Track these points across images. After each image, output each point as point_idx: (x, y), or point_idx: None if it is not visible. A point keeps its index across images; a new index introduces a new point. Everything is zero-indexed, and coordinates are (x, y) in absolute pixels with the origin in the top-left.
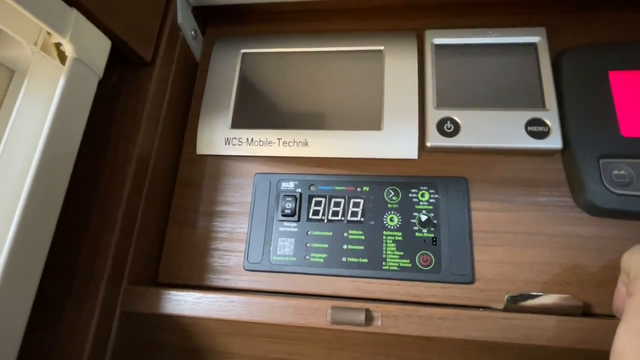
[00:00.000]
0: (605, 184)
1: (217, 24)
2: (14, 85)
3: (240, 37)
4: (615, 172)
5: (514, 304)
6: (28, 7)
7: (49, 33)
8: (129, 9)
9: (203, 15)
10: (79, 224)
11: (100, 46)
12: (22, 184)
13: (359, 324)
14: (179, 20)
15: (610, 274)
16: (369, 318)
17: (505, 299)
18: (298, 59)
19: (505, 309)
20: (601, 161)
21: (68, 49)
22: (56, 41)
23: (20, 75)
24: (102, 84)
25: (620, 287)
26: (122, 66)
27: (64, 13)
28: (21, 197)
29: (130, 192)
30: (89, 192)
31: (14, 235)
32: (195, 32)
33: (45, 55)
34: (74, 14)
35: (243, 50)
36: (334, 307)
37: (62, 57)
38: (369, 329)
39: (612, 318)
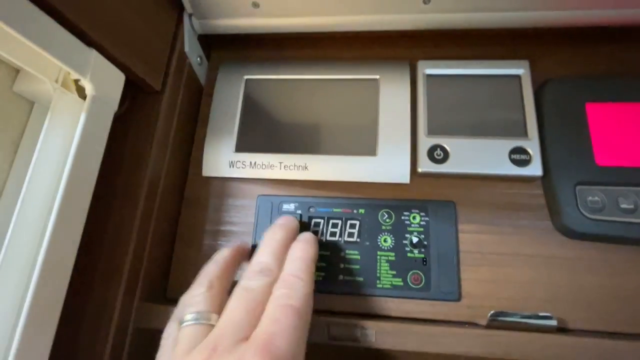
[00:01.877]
0: (581, 209)
1: (221, 48)
2: (34, 115)
3: (243, 62)
4: (590, 198)
5: (496, 321)
6: (51, 50)
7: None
8: (141, 43)
9: (208, 41)
10: (95, 244)
11: (115, 81)
12: (49, 210)
13: (354, 340)
14: (186, 48)
15: (585, 292)
16: (364, 334)
17: (488, 316)
18: (298, 85)
19: (487, 326)
20: (577, 188)
21: (88, 87)
22: (75, 77)
23: (40, 107)
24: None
25: None
26: (132, 94)
27: (83, 54)
28: (50, 220)
29: (142, 214)
30: (104, 214)
31: (42, 262)
32: (200, 58)
33: (65, 91)
34: (93, 54)
35: (246, 77)
36: (331, 324)
37: (79, 90)
38: (364, 344)
39: (585, 335)
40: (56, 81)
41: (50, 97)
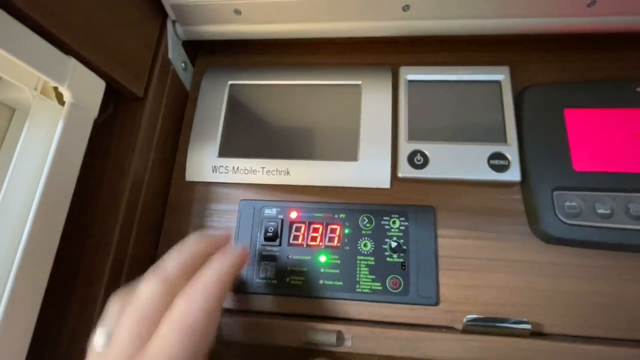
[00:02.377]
0: (558, 214)
1: (207, 54)
2: (14, 122)
3: (228, 67)
4: (567, 203)
5: (472, 326)
6: (28, 60)
7: None
8: (122, 50)
9: (194, 46)
10: (75, 251)
11: (95, 88)
12: (26, 214)
13: (331, 345)
14: (170, 54)
15: (562, 296)
16: (340, 339)
17: (463, 321)
18: (281, 91)
19: (463, 331)
20: (555, 193)
21: (66, 94)
22: (54, 85)
23: (21, 113)
24: (96, 118)
25: None
26: (115, 100)
27: (61, 62)
28: (26, 226)
29: (123, 220)
30: (86, 219)
31: (18, 265)
32: (185, 63)
33: (44, 98)
34: (72, 62)
35: (230, 82)
36: (308, 329)
37: (59, 97)
38: (340, 349)
39: (559, 339)
40: (35, 89)
41: (30, 104)
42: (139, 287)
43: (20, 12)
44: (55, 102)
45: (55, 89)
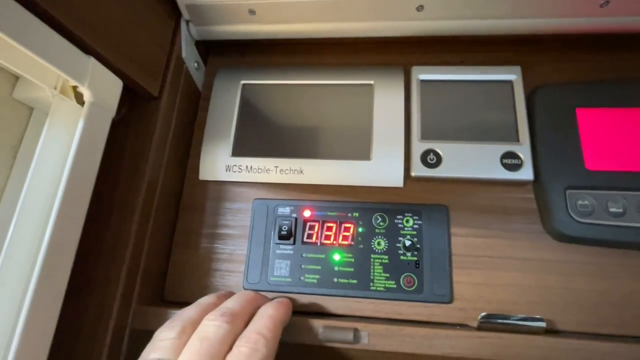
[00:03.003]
0: (571, 213)
1: (219, 54)
2: (33, 121)
3: (240, 67)
4: (580, 202)
5: (487, 323)
6: (49, 59)
7: None
8: (139, 50)
9: (205, 46)
10: (93, 248)
11: (113, 87)
12: (48, 213)
13: (347, 342)
14: (183, 54)
15: (574, 294)
16: (357, 336)
17: (479, 318)
18: (294, 91)
19: (478, 328)
20: (567, 192)
21: (86, 94)
22: (74, 84)
23: (39, 112)
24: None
25: None
26: (130, 99)
27: (82, 62)
28: (48, 225)
29: (140, 219)
30: (102, 218)
31: (41, 264)
32: (197, 63)
33: (64, 97)
34: (91, 62)
35: (243, 82)
36: (325, 327)
37: (78, 96)
38: (357, 346)
39: (573, 336)
40: (55, 88)
41: (49, 103)
42: (203, 322)
43: (42, 10)
44: (74, 102)
45: (74, 88)
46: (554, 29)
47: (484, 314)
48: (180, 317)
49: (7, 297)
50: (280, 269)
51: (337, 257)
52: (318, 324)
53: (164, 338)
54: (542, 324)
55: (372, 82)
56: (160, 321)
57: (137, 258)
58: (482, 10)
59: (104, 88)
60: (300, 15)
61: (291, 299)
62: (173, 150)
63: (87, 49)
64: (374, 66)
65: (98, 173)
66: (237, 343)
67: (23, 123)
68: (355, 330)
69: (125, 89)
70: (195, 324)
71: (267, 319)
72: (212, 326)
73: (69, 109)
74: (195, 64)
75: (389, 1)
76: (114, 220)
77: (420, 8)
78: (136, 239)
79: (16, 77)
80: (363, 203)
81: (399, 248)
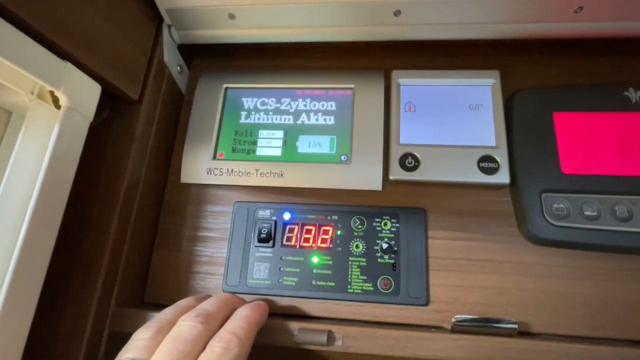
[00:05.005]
0: (546, 216)
1: (203, 57)
2: (11, 126)
3: (223, 71)
4: (555, 205)
5: (460, 325)
6: (23, 65)
7: None
8: (118, 53)
9: (189, 49)
10: (72, 252)
11: (91, 92)
12: (23, 217)
13: (321, 344)
14: (165, 58)
15: (549, 296)
16: (331, 338)
17: (452, 321)
18: (277, 94)
19: (452, 330)
20: (543, 195)
21: (62, 99)
22: (50, 89)
23: (17, 116)
24: (91, 121)
25: None
26: (111, 103)
27: (57, 67)
28: (22, 228)
29: (119, 221)
30: (82, 220)
31: (14, 265)
32: (180, 67)
33: (40, 102)
34: (67, 66)
35: (225, 85)
36: (300, 329)
37: (55, 100)
38: (331, 348)
39: (546, 338)
40: (32, 92)
41: (26, 108)
42: (178, 323)
43: (15, 16)
44: (52, 106)
45: (52, 92)
46: (530, 34)
47: (457, 316)
48: (157, 318)
49: None
50: (260, 272)
51: (315, 259)
52: (293, 326)
53: (139, 338)
54: (515, 326)
55: (352, 86)
56: (139, 323)
57: (116, 260)
58: (459, 16)
59: (81, 93)
60: (279, 20)
61: (270, 302)
62: (154, 153)
63: (62, 54)
64: (356, 70)
65: (78, 176)
66: (211, 342)
67: (1, 128)
68: (330, 333)
69: (106, 93)
70: (171, 324)
71: (241, 320)
72: (186, 326)
73: (46, 113)
74: (178, 68)
75: (366, 6)
76: (94, 222)
77: (397, 13)
78: (115, 242)
79: None
80: (342, 206)
81: (377, 251)
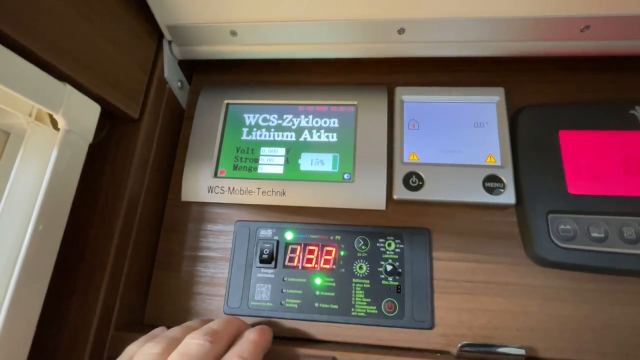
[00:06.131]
0: (553, 238)
1: (203, 72)
2: (9, 146)
3: (224, 86)
4: (562, 226)
5: (466, 352)
6: (22, 90)
7: None
8: (118, 72)
9: (189, 64)
10: (71, 274)
11: (90, 113)
12: (22, 238)
13: None
14: (166, 74)
15: (555, 320)
16: None
17: (458, 347)
18: (279, 110)
19: (458, 357)
20: (549, 216)
21: (61, 122)
22: (49, 111)
23: (15, 137)
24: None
25: None
26: (110, 121)
27: (56, 89)
28: (21, 249)
29: (119, 241)
30: (81, 240)
31: (14, 286)
32: (181, 82)
33: (39, 123)
34: (67, 89)
35: (227, 101)
36: (303, 355)
37: (54, 122)
38: None
39: None
40: (30, 115)
41: (24, 129)
42: (186, 339)
43: (12, 40)
44: (50, 127)
45: (50, 114)
46: (536, 52)
47: (464, 342)
48: (166, 335)
49: None
50: (261, 294)
51: (318, 281)
52: (297, 351)
53: (148, 352)
54: (522, 352)
55: (355, 102)
56: None
57: (116, 282)
58: (464, 34)
59: (80, 114)
60: (282, 37)
61: (272, 324)
62: (155, 171)
63: (61, 76)
64: (358, 86)
65: (77, 196)
66: None
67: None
68: (334, 359)
69: (105, 112)
70: (179, 342)
71: (249, 344)
72: (194, 344)
73: (45, 135)
74: (179, 83)
75: (370, 25)
76: (92, 243)
77: (401, 31)
78: (115, 260)
79: None
80: (345, 226)
81: (381, 272)
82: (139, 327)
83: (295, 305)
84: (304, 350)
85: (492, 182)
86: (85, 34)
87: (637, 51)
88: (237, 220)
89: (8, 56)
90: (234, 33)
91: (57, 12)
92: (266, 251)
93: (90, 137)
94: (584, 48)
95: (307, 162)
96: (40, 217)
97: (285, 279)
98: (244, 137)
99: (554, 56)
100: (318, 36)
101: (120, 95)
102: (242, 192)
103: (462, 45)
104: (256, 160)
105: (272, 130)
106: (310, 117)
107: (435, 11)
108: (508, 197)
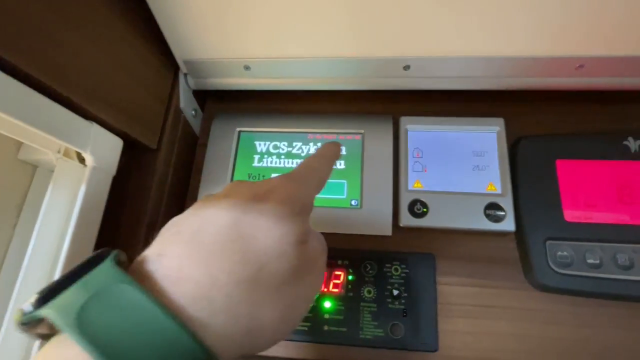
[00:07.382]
0: (551, 264)
1: (216, 100)
2: (37, 179)
3: (236, 114)
4: (559, 253)
5: None
6: (50, 130)
7: None
8: (138, 107)
9: (202, 92)
10: None
11: (114, 147)
12: (53, 268)
13: None
14: (182, 104)
15: (555, 343)
16: None
17: None
18: (289, 138)
19: None
20: (547, 243)
21: (88, 159)
22: (78, 150)
23: (42, 169)
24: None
25: None
26: (129, 152)
27: (84, 129)
28: (56, 271)
29: None
30: None
31: None
32: (195, 110)
33: (67, 159)
34: (94, 127)
35: (239, 129)
36: None
37: (80, 156)
38: None
39: None
40: (58, 152)
41: (53, 164)
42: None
43: (39, 83)
44: (77, 162)
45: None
46: (534, 86)
47: None
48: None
49: (10, 354)
50: None
51: (327, 304)
52: None
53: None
54: None
55: (362, 131)
56: None
57: None
58: (465, 70)
59: (105, 150)
60: (292, 72)
61: (281, 347)
62: (171, 195)
63: (87, 115)
64: (364, 115)
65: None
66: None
67: (27, 180)
68: None
69: (125, 143)
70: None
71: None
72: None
73: (72, 169)
74: (193, 112)
75: (377, 62)
76: None
77: (407, 67)
78: None
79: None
80: (353, 251)
81: (387, 296)
82: None
83: (306, 328)
84: None
85: (493, 210)
86: (108, 72)
87: (629, 87)
88: None
89: (36, 98)
90: (247, 67)
91: (87, 55)
92: None
93: (114, 170)
94: (580, 84)
95: None
96: (72, 248)
97: None
98: (256, 163)
99: (552, 90)
100: (327, 71)
101: (140, 129)
102: None
103: (464, 80)
104: None
105: (283, 157)
106: (319, 144)
107: (439, 50)
108: (508, 224)
